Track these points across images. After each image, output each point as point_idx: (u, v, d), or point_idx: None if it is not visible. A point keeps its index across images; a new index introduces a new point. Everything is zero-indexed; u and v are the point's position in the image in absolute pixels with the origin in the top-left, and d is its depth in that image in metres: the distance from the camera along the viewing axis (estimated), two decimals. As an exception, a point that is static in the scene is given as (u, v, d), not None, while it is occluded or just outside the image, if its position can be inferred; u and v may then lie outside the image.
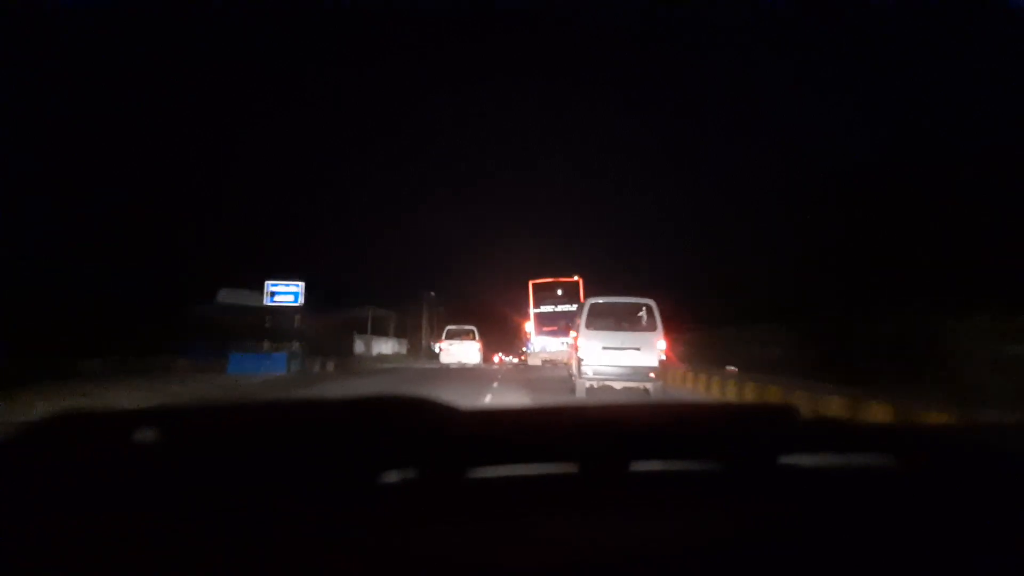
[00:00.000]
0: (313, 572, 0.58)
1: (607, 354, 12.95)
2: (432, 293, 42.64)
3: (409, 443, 0.75)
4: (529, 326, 28.19)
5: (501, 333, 43.57)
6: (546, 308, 27.90)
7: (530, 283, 28.28)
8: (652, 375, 12.72)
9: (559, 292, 28.00)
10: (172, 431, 0.75)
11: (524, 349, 29.77)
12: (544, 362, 28.76)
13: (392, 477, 0.74)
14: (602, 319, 13.42)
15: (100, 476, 0.67)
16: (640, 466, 0.80)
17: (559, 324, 27.38)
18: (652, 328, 13.14)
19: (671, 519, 0.69)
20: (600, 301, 13.48)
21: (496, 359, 32.09)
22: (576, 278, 28.12)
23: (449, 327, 28.57)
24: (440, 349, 27.33)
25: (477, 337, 27.70)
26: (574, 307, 27.94)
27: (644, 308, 13.40)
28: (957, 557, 0.65)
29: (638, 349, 12.99)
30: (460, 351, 26.65)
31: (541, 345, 27.54)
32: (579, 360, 12.99)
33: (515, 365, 32.89)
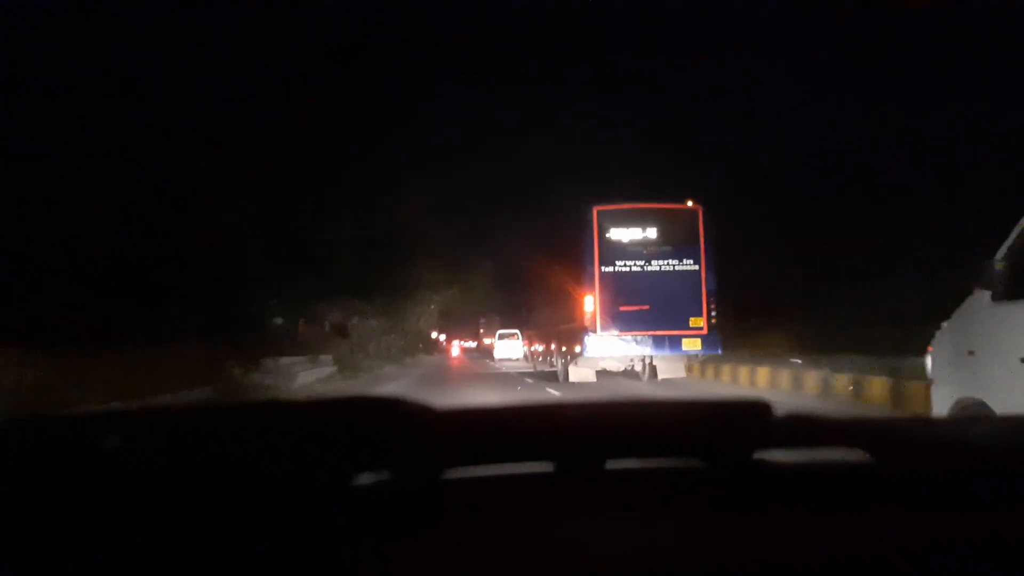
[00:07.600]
0: (288, 573, 0.59)
1: None
2: None
3: (383, 444, 0.74)
4: (589, 303, 12.90)
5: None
6: (624, 265, 12.93)
7: (594, 210, 13.05)
8: None
9: (655, 232, 12.99)
10: (145, 433, 0.75)
11: (575, 350, 14.70)
12: (597, 373, 14.34)
13: (366, 479, 0.74)
14: None
15: (68, 478, 0.67)
16: (616, 464, 0.81)
17: (653, 302, 12.56)
18: None
19: (647, 517, 0.69)
20: None
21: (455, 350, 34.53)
22: (691, 204, 13.20)
23: (500, 331, 35.75)
24: (494, 347, 35.59)
25: (520, 337, 33.01)
26: (693, 265, 12.71)
27: None
28: (932, 553, 0.64)
29: None
30: (508, 348, 33.33)
31: (608, 347, 12.70)
32: None
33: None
